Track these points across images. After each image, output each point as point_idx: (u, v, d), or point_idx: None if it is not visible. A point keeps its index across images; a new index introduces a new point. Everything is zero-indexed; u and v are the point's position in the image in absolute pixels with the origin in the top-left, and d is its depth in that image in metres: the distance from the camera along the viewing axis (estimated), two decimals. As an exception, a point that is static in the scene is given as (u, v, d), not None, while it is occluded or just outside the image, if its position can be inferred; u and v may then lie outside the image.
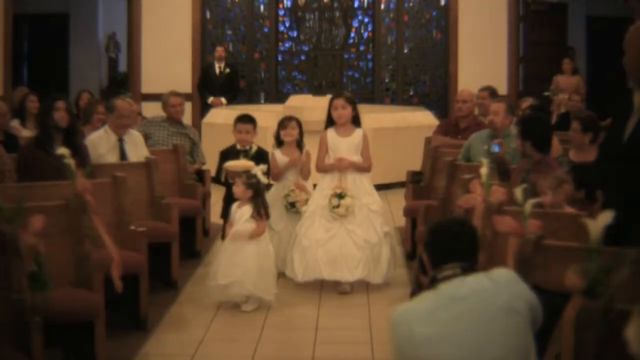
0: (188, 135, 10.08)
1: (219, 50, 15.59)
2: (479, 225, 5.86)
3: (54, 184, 6.79)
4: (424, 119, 13.81)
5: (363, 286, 7.91)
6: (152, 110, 11.99)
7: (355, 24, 17.28)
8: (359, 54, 17.32)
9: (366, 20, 17.24)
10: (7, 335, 5.09)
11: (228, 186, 8.18)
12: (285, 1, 17.24)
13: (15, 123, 10.89)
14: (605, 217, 4.12)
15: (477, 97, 10.57)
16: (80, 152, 7.56)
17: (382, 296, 7.72)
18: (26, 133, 10.41)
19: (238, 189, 7.42)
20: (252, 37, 17.15)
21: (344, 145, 8.05)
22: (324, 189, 8.02)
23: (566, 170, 7.02)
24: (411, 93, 17.19)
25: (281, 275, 7.92)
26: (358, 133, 8.12)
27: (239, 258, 7.25)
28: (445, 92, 16.86)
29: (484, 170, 6.29)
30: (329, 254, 7.83)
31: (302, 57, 17.39)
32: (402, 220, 9.64)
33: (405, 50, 17.09)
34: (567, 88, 14.64)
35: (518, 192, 5.50)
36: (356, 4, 17.26)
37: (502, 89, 15.11)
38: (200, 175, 9.92)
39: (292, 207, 8.18)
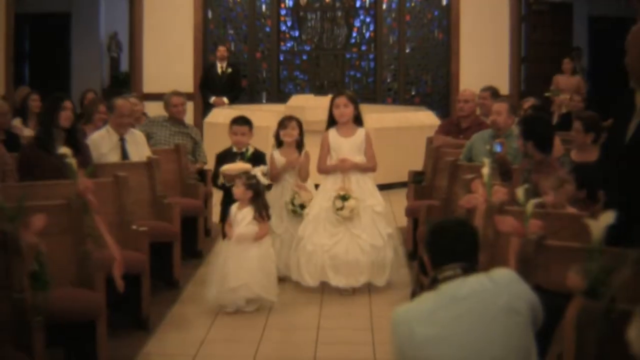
0: (190, 135, 10.08)
1: (221, 50, 15.59)
2: (481, 225, 5.87)
3: (56, 183, 6.78)
4: (426, 118, 13.80)
5: (365, 287, 7.88)
6: (154, 110, 11.99)
7: (357, 23, 17.28)
8: (360, 53, 17.32)
9: (368, 20, 17.24)
10: (9, 335, 5.09)
11: (225, 189, 8.13)
12: (287, 1, 17.24)
13: (17, 122, 10.90)
14: (607, 218, 4.12)
15: (479, 97, 10.57)
16: (82, 152, 7.57)
17: (384, 296, 7.71)
18: (28, 132, 10.42)
19: (238, 190, 7.36)
20: (253, 36, 17.15)
21: (346, 145, 7.94)
22: (327, 191, 7.91)
23: (568, 170, 7.01)
24: (413, 93, 17.19)
25: (283, 279, 7.81)
26: (360, 132, 8.00)
27: (245, 262, 7.20)
28: (447, 92, 16.86)
29: (485, 170, 6.28)
30: (334, 259, 7.74)
31: (304, 57, 17.40)
32: (403, 220, 9.64)
33: (407, 50, 17.10)
34: (567, 88, 14.65)
35: (520, 192, 5.50)
36: (358, 4, 17.26)
37: (504, 89, 15.11)
38: (202, 174, 9.92)
39: (302, 209, 8.04)
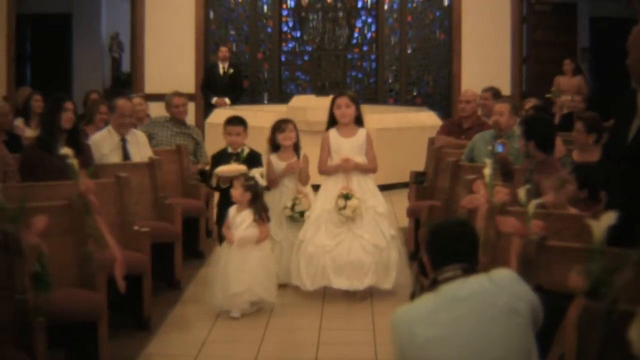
0: (191, 136, 10.08)
1: (223, 51, 15.59)
2: (482, 225, 5.86)
3: (57, 184, 6.78)
4: (427, 119, 13.81)
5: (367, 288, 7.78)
6: (155, 110, 12.00)
7: (358, 24, 17.29)
8: (362, 54, 17.33)
9: (369, 20, 17.25)
10: (10, 335, 5.09)
11: (222, 191, 8.05)
12: (288, 1, 17.26)
13: (18, 122, 10.90)
14: (609, 218, 4.12)
15: (480, 98, 10.57)
16: (83, 152, 7.57)
17: (385, 297, 7.69)
18: (29, 133, 10.42)
19: (236, 192, 7.29)
20: (255, 37, 17.16)
21: (347, 146, 7.82)
22: (328, 192, 7.77)
23: (569, 171, 7.01)
24: (414, 93, 17.20)
25: (283, 286, 7.70)
26: (361, 133, 7.89)
27: (247, 265, 7.14)
28: (449, 93, 16.87)
29: (487, 171, 6.27)
30: (336, 260, 7.56)
31: (306, 58, 17.41)
32: (405, 221, 9.64)
33: (409, 51, 17.10)
34: (568, 89, 14.64)
35: (521, 192, 5.49)
36: (359, 5, 17.27)
37: (506, 89, 15.10)
38: (204, 175, 9.91)
39: (302, 217, 7.87)
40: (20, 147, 8.50)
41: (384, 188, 11.63)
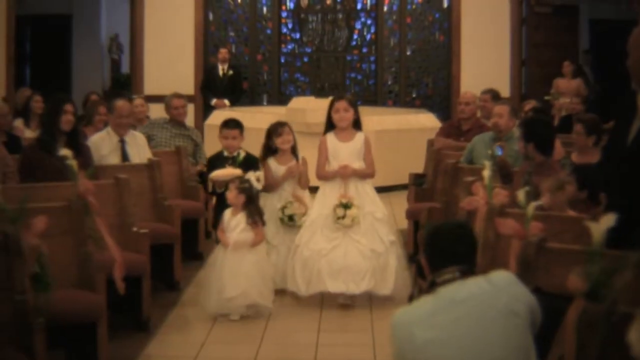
0: (190, 137, 10.09)
1: (222, 52, 15.59)
2: (482, 227, 5.87)
3: (57, 185, 6.78)
4: (427, 121, 13.81)
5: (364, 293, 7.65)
6: (154, 112, 12.00)
7: (358, 26, 17.29)
8: (361, 56, 17.33)
9: (369, 22, 17.25)
10: (10, 336, 5.09)
11: (217, 195, 7.99)
12: (287, 3, 17.26)
13: (18, 123, 10.90)
14: (608, 220, 4.12)
15: (480, 100, 10.58)
16: (83, 153, 7.57)
17: (385, 300, 7.68)
18: (29, 134, 10.42)
19: (231, 195, 7.22)
20: (254, 38, 17.16)
21: (345, 150, 7.69)
22: (326, 198, 7.63)
23: (569, 172, 7.01)
24: (414, 95, 17.21)
25: (280, 292, 7.61)
26: (359, 137, 7.76)
27: (242, 269, 7.08)
28: (448, 94, 16.87)
29: (486, 173, 6.28)
30: (332, 264, 7.41)
31: (305, 59, 17.41)
32: (404, 223, 9.64)
33: (408, 53, 17.11)
34: (567, 91, 14.65)
35: (521, 194, 5.50)
36: (359, 6, 17.28)
37: (505, 91, 15.11)
38: (203, 177, 9.90)
39: (290, 221, 7.74)
40: (20, 148, 8.51)
41: (383, 190, 11.66)
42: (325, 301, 7.61)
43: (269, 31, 17.22)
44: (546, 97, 14.48)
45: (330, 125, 7.79)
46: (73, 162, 6.49)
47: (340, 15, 17.30)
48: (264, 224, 7.32)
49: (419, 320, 3.75)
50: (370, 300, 7.61)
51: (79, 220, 6.20)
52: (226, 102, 15.22)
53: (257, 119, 12.60)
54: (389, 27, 17.12)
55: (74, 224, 6.20)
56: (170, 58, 16.38)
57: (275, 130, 7.92)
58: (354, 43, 17.33)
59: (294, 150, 7.97)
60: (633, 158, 4.76)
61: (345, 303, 7.50)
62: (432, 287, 3.84)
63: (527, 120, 7.73)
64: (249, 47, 17.19)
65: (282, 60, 17.37)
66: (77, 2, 19.83)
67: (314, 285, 7.45)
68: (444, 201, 8.46)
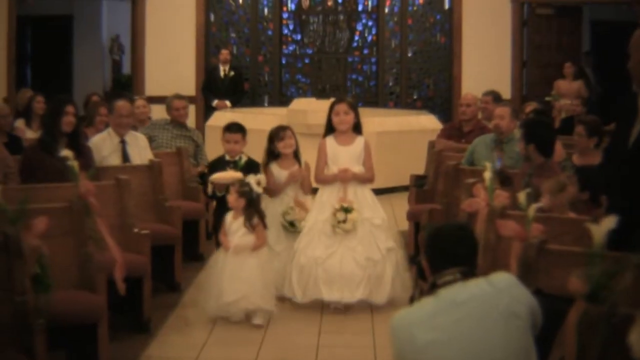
0: (192, 138, 10.09)
1: (224, 53, 15.59)
2: (483, 229, 5.87)
3: (58, 186, 6.78)
4: (428, 122, 13.81)
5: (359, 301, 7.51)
6: (156, 112, 12.00)
7: (359, 27, 17.28)
8: (362, 57, 17.33)
9: (370, 23, 17.24)
10: (11, 337, 5.09)
11: (218, 199, 7.90)
12: (289, 4, 17.25)
13: (19, 123, 10.91)
14: (609, 222, 4.12)
15: (481, 102, 10.58)
16: (84, 154, 7.56)
17: (386, 301, 7.66)
18: (30, 134, 10.42)
19: (231, 198, 7.15)
20: (256, 40, 17.16)
21: (344, 154, 7.57)
22: (324, 202, 7.51)
23: (571, 173, 7.01)
24: (415, 97, 17.19)
25: (283, 298, 7.51)
26: (359, 141, 7.65)
27: (243, 273, 6.99)
28: (449, 96, 16.86)
29: (487, 175, 6.28)
30: (328, 272, 7.32)
31: (306, 60, 17.40)
32: (405, 224, 9.64)
33: (409, 54, 17.10)
34: (568, 93, 14.65)
35: (521, 196, 5.50)
36: (360, 8, 17.26)
37: (506, 92, 15.11)
38: (204, 178, 9.91)
39: (292, 227, 7.64)
40: (21, 149, 8.51)
41: (384, 191, 11.68)
42: (325, 303, 7.59)
43: (270, 32, 17.21)
44: (547, 98, 14.48)
45: (330, 128, 7.68)
46: (74, 163, 6.49)
47: (341, 17, 17.29)
48: (265, 227, 7.23)
49: (419, 321, 3.75)
50: (370, 303, 7.59)
51: (80, 221, 6.20)
52: (227, 103, 15.22)
53: (258, 120, 12.60)
54: (390, 29, 17.12)
55: (74, 224, 6.20)
56: (171, 59, 16.38)
57: (277, 134, 7.80)
58: (355, 44, 17.32)
59: (296, 155, 7.85)
60: (634, 160, 4.76)
61: (339, 307, 7.41)
62: (432, 288, 3.84)
63: (527, 121, 7.73)
64: (250, 48, 17.19)
65: (283, 62, 17.36)
66: (78, 3, 19.85)
67: (310, 292, 7.38)
68: (445, 203, 8.46)
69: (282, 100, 16.68)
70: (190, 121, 12.54)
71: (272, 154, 7.82)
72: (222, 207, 7.61)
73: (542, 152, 7.00)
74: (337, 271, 7.32)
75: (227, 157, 8.04)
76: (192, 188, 9.26)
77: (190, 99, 12.41)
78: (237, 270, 7.00)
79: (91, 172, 7.15)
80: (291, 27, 17.33)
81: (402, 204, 10.47)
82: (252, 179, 7.22)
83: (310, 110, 12.51)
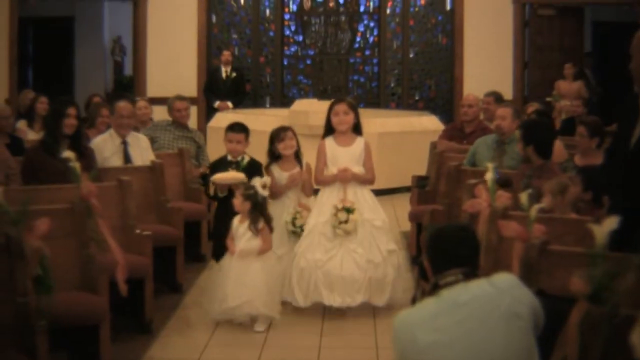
0: (193, 139, 10.10)
1: (226, 54, 15.59)
2: (484, 230, 5.87)
3: (60, 187, 6.79)
4: (430, 123, 13.80)
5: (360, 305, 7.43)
6: (157, 114, 12.00)
7: (360, 28, 17.29)
8: (364, 58, 17.33)
9: (372, 24, 17.25)
10: (12, 338, 5.10)
11: (219, 201, 7.67)
12: (291, 5, 17.26)
13: (21, 125, 10.92)
14: (611, 223, 4.12)
15: (483, 102, 10.57)
16: (86, 156, 7.57)
17: (386, 304, 7.65)
18: (32, 135, 10.43)
19: (236, 201, 7.03)
20: (257, 41, 17.17)
21: (344, 155, 7.44)
22: (323, 204, 7.38)
23: (573, 174, 7.01)
24: (416, 97, 17.20)
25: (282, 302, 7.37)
26: (359, 142, 7.52)
27: (248, 277, 6.90)
28: (451, 97, 16.86)
29: (489, 175, 6.28)
30: (328, 275, 7.20)
31: (308, 62, 17.41)
32: (407, 225, 9.63)
33: (411, 55, 17.10)
34: (568, 94, 14.65)
35: (523, 197, 5.50)
36: (362, 9, 17.27)
37: (508, 93, 15.12)
38: (205, 179, 9.90)
39: (303, 231, 7.41)
40: (23, 150, 8.52)
41: (385, 192, 11.68)
42: (326, 307, 7.55)
43: (271, 33, 17.22)
44: (548, 99, 14.48)
45: (329, 129, 7.57)
46: (76, 165, 6.49)
47: (343, 18, 17.30)
48: (272, 230, 7.13)
49: (421, 322, 3.74)
50: (371, 305, 7.58)
51: (82, 223, 6.21)
52: (229, 104, 15.23)
53: (260, 121, 12.59)
54: (391, 30, 17.12)
55: (76, 226, 6.20)
56: (172, 60, 16.38)
57: (277, 135, 7.66)
58: (356, 45, 17.32)
59: (297, 156, 7.71)
60: (635, 160, 4.76)
61: (340, 309, 7.31)
62: (434, 289, 3.83)
63: (526, 123, 7.72)
64: (251, 50, 17.20)
65: (285, 63, 17.37)
66: (80, 4, 19.87)
67: (310, 296, 7.27)
68: (447, 203, 8.46)
69: (283, 101, 16.68)
70: (192, 122, 12.56)
71: (273, 156, 7.69)
72: (223, 209, 7.51)
73: (541, 154, 7.01)
74: (337, 274, 7.20)
75: (230, 158, 7.77)
76: (194, 189, 9.26)
77: (192, 100, 12.40)
78: (242, 274, 6.90)
79: (93, 173, 7.15)
80: (293, 28, 17.34)
81: (403, 205, 10.46)
82: (257, 182, 7.08)
83: (312, 111, 12.50)
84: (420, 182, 9.84)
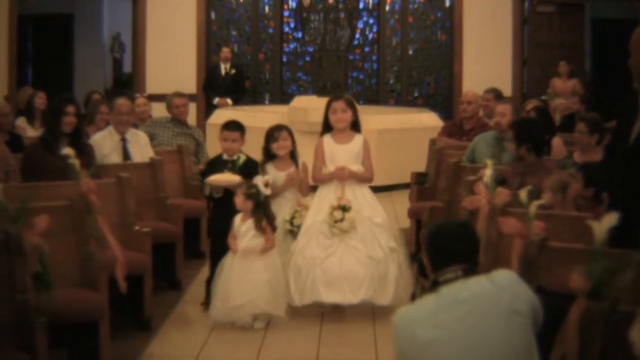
0: (193, 136, 10.09)
1: (225, 51, 15.58)
2: (484, 226, 5.87)
3: (59, 184, 6.78)
4: (429, 120, 13.80)
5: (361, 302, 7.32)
6: (156, 111, 12.00)
7: (360, 25, 17.30)
8: (363, 55, 17.33)
9: (371, 21, 17.26)
10: (12, 336, 5.09)
11: (215, 201, 7.52)
12: (290, 2, 17.26)
13: (20, 122, 10.92)
14: (610, 219, 4.12)
15: (482, 99, 10.57)
16: (85, 152, 7.57)
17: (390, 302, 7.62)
18: (31, 132, 10.44)
19: (238, 200, 6.95)
20: (256, 38, 17.17)
21: (342, 153, 7.32)
22: (321, 202, 7.26)
23: (574, 170, 7.01)
24: (416, 94, 17.21)
25: None
26: (358, 140, 7.39)
27: (251, 276, 6.85)
28: (450, 94, 16.87)
29: (488, 172, 6.28)
30: (327, 273, 7.05)
31: (307, 58, 17.42)
32: (406, 222, 9.64)
33: (410, 52, 17.11)
34: (563, 92, 14.63)
35: (522, 193, 5.51)
36: (361, 5, 17.28)
37: (507, 90, 15.12)
38: (204, 176, 9.90)
39: (300, 231, 7.30)
40: (22, 147, 8.51)
41: (385, 189, 11.68)
42: (325, 308, 7.44)
43: (271, 30, 17.22)
44: (543, 97, 14.46)
45: (327, 127, 7.45)
46: (75, 161, 6.49)
47: (342, 14, 17.31)
48: (274, 229, 7.06)
49: (421, 319, 3.74)
50: (373, 304, 7.51)
51: (81, 220, 6.20)
52: (228, 101, 15.22)
53: (259, 118, 12.61)
54: (391, 26, 17.12)
55: (76, 223, 6.20)
56: (172, 57, 16.39)
57: (271, 135, 7.54)
58: (356, 42, 17.33)
59: (293, 156, 7.58)
60: (634, 157, 4.77)
61: (340, 305, 7.20)
62: (434, 286, 3.83)
63: (517, 122, 7.61)
64: (251, 46, 17.20)
65: (284, 59, 17.38)
66: (79, 1, 19.87)
67: (307, 295, 7.11)
68: (446, 200, 8.46)
69: (283, 98, 16.69)
70: (191, 119, 12.56)
71: (269, 154, 7.57)
72: (219, 208, 7.44)
73: (536, 152, 7.02)
74: (337, 271, 7.06)
75: (225, 156, 7.59)
76: (193, 186, 9.26)
77: (191, 97, 12.41)
78: (245, 273, 6.86)
79: (92, 170, 7.16)
80: (292, 25, 17.35)
81: (403, 202, 10.47)
82: (259, 180, 7.00)
83: (311, 108, 12.51)
84: (419, 178, 9.84)
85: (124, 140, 8.63)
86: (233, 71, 15.50)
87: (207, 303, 7.23)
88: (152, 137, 9.48)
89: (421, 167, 10.47)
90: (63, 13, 19.88)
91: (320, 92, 16.30)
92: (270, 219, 7.01)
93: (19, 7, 15.48)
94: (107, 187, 7.11)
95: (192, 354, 6.38)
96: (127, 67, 20.19)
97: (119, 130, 8.63)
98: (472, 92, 10.56)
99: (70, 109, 7.65)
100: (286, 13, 17.31)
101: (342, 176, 7.27)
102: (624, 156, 4.89)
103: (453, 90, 16.68)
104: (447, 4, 16.87)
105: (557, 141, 8.67)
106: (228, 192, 7.24)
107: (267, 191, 7.00)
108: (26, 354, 5.06)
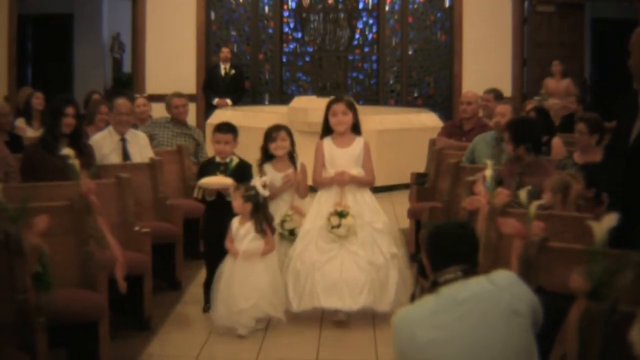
0: (192, 136, 10.09)
1: (225, 52, 15.58)
2: (483, 227, 5.87)
3: (59, 185, 6.78)
4: (428, 120, 13.80)
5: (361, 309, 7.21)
6: (156, 111, 12.00)
7: (359, 25, 17.30)
8: (363, 55, 17.33)
9: (371, 21, 17.26)
10: (12, 336, 5.09)
11: (208, 204, 7.39)
12: (289, 2, 17.26)
13: (20, 122, 10.91)
14: (610, 220, 4.12)
15: (482, 100, 10.56)
16: (85, 153, 7.57)
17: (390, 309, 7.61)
18: (31, 133, 10.43)
19: (236, 203, 6.85)
20: (256, 38, 17.17)
21: (342, 156, 7.21)
22: (321, 206, 7.13)
23: (575, 171, 7.01)
24: (415, 95, 17.21)
25: None
26: (358, 142, 7.26)
27: (252, 279, 6.76)
28: (450, 94, 16.87)
29: (488, 172, 6.27)
30: (327, 278, 6.91)
31: (307, 59, 17.42)
32: (406, 222, 9.64)
33: (410, 52, 17.11)
34: (556, 92, 14.62)
35: (522, 194, 5.51)
36: (361, 6, 17.28)
37: (507, 90, 15.12)
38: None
39: (291, 235, 7.22)
40: (22, 148, 8.51)
41: (384, 189, 11.68)
42: (324, 315, 7.29)
43: (270, 30, 17.23)
44: (536, 98, 14.43)
45: (327, 129, 7.33)
46: (75, 162, 6.49)
47: (342, 15, 17.31)
48: (273, 231, 6.99)
49: (421, 319, 3.74)
50: (373, 311, 7.46)
51: (81, 220, 6.20)
52: (228, 101, 15.23)
53: (258, 118, 12.62)
54: (390, 27, 17.13)
55: (75, 223, 6.20)
56: (171, 57, 16.40)
57: (269, 135, 7.41)
58: (355, 42, 17.33)
59: (291, 156, 7.46)
60: (634, 157, 4.76)
61: (340, 320, 7.04)
62: (434, 286, 3.84)
63: (512, 123, 7.58)
64: (250, 47, 17.20)
65: (284, 60, 17.38)
66: (79, 1, 19.88)
67: (306, 300, 6.98)
68: (446, 201, 8.46)
69: (282, 98, 16.69)
70: (191, 119, 12.56)
71: (267, 154, 7.46)
72: (212, 211, 7.37)
73: (534, 152, 7.02)
74: (336, 276, 6.93)
75: (218, 159, 7.47)
76: (193, 186, 9.22)
77: (191, 97, 12.42)
78: (247, 276, 6.76)
79: (92, 170, 7.15)
80: (292, 25, 17.35)
81: (402, 202, 10.47)
82: (257, 181, 6.91)
83: (310, 108, 12.51)
84: (419, 179, 9.84)
85: (123, 140, 8.63)
86: (233, 71, 15.50)
87: (206, 306, 7.23)
88: (151, 138, 9.48)
89: (421, 167, 10.47)
90: (63, 13, 19.88)
91: (320, 92, 16.30)
92: (269, 220, 6.95)
93: (18, 7, 15.48)
94: (107, 188, 7.11)
95: (192, 354, 6.38)
96: (126, 67, 20.19)
97: (119, 130, 8.63)
98: (471, 92, 10.55)
99: (70, 110, 7.63)
100: (286, 13, 17.31)
101: (342, 181, 7.15)
102: (624, 156, 4.89)
103: (453, 91, 16.69)
104: (447, 4, 16.88)
105: (557, 141, 8.67)
106: (221, 195, 7.20)
107: (265, 192, 6.92)
108: (26, 354, 5.06)
